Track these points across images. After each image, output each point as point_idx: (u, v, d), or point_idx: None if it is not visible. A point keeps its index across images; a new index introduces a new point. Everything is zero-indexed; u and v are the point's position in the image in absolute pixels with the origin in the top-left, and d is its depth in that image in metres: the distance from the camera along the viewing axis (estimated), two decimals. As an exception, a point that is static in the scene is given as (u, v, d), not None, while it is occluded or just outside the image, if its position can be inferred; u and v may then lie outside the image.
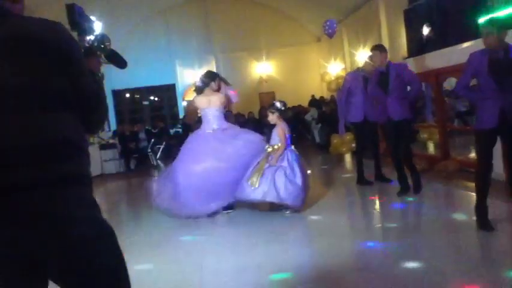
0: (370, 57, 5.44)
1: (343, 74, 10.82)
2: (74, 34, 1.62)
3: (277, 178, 4.65)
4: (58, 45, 1.35)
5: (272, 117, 5.09)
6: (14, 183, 1.23)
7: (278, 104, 5.15)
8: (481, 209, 3.67)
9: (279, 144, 4.86)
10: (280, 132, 4.92)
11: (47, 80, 1.32)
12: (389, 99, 4.99)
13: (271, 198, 4.66)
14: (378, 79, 5.15)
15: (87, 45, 1.64)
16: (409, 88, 5.14)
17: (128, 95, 15.70)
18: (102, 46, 1.67)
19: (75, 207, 1.31)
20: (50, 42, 1.33)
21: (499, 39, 3.54)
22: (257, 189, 4.68)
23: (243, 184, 4.79)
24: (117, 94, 15.17)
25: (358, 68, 6.30)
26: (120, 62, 1.83)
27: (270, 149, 4.90)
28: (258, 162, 4.84)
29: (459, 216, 4.06)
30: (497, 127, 3.56)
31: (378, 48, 5.14)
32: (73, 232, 1.30)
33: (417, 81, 5.14)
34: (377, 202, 5.36)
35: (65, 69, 1.36)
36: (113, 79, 13.25)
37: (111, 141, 11.76)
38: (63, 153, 1.31)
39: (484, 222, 3.63)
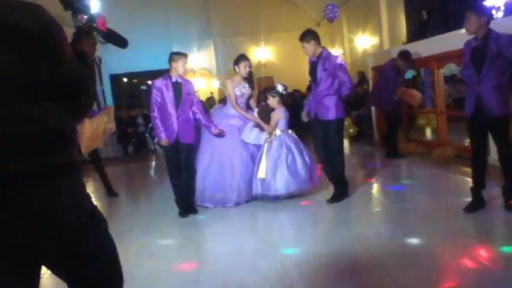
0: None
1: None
2: (68, 14, 1.55)
3: (280, 168, 4.64)
4: (37, 32, 1.28)
5: (273, 101, 4.87)
6: (3, 173, 1.21)
7: (280, 88, 4.91)
8: (475, 191, 3.74)
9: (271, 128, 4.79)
10: (274, 118, 4.78)
11: (27, 69, 1.26)
12: (317, 95, 4.49)
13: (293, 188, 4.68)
14: (310, 70, 4.61)
15: (80, 24, 1.56)
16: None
17: (125, 80, 15.62)
18: (95, 25, 1.58)
19: (65, 197, 1.30)
20: (28, 28, 1.26)
21: (477, 25, 3.50)
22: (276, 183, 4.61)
23: (265, 180, 4.65)
24: (115, 79, 15.07)
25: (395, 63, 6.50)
26: (119, 41, 1.73)
27: (269, 137, 4.82)
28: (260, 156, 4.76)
29: (455, 201, 4.09)
30: (474, 115, 3.59)
31: (303, 39, 4.50)
32: (63, 221, 1.29)
33: (347, 74, 4.46)
34: (374, 186, 5.39)
35: (46, 56, 1.30)
36: (111, 64, 13.17)
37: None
38: (50, 143, 1.29)
39: (477, 205, 3.71)
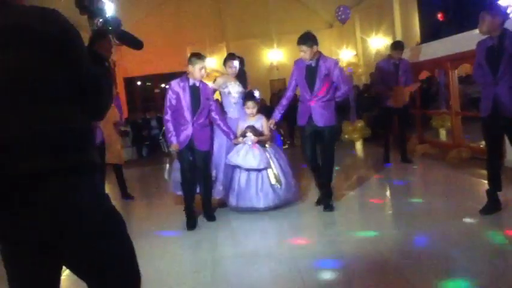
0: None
1: (354, 60, 10.69)
2: (84, 18, 1.58)
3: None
4: (53, 35, 1.31)
5: (254, 109, 4.69)
6: (24, 173, 1.24)
7: (258, 94, 4.78)
8: (491, 194, 3.69)
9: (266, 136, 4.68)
10: (268, 125, 4.66)
11: (44, 71, 1.29)
12: (314, 101, 4.29)
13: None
14: (305, 74, 4.33)
15: (96, 28, 1.58)
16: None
17: (139, 83, 15.76)
18: (111, 28, 1.60)
19: (85, 196, 1.33)
20: (45, 32, 1.29)
21: (492, 26, 3.47)
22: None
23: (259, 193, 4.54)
24: (129, 82, 15.23)
25: (389, 55, 6.50)
26: (134, 43, 1.74)
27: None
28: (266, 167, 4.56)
29: (470, 203, 4.03)
30: (491, 116, 3.54)
31: (305, 43, 4.24)
32: (84, 221, 1.32)
33: (346, 83, 4.41)
34: (387, 188, 5.36)
35: (62, 59, 1.33)
36: (125, 67, 13.31)
37: (123, 128, 11.83)
38: (68, 143, 1.31)
39: (493, 207, 3.66)
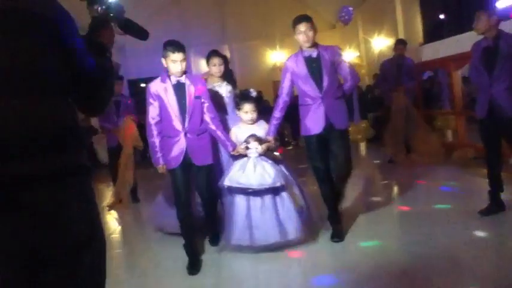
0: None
1: (357, 61, 10.70)
2: (83, 4, 1.47)
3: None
4: (48, 19, 1.20)
5: (254, 115, 3.70)
6: (11, 174, 1.11)
7: (254, 93, 3.77)
8: (493, 195, 3.69)
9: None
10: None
11: (37, 60, 1.17)
12: (327, 98, 3.46)
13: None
14: (308, 69, 3.48)
15: (96, 14, 1.44)
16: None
17: (143, 85, 15.82)
18: (113, 15, 1.46)
19: (74, 201, 1.22)
20: (39, 14, 1.18)
21: (487, 25, 3.47)
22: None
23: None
24: (133, 83, 15.27)
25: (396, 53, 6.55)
26: (139, 32, 1.60)
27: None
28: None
29: (475, 204, 4.03)
30: (488, 117, 3.54)
31: (309, 20, 3.49)
32: (69, 229, 1.21)
33: (355, 76, 3.63)
34: (393, 188, 5.36)
35: (57, 47, 1.21)
36: (128, 69, 13.34)
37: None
38: (59, 142, 1.19)
39: (495, 208, 3.67)
